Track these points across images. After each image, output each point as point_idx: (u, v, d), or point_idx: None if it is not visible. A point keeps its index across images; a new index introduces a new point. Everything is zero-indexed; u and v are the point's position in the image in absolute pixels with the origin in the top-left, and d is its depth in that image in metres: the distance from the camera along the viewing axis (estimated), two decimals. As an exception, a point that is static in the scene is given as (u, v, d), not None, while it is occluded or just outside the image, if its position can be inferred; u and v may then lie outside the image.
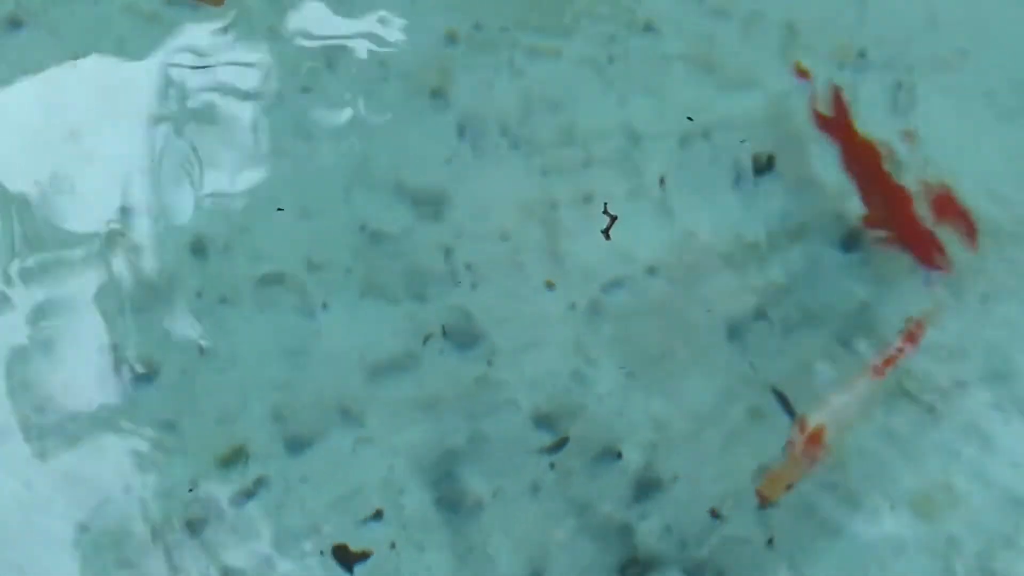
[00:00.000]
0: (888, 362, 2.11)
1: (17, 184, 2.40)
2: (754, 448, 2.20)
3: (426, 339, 2.30)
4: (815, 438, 2.01)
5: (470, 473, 2.21)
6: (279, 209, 2.42)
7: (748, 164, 2.44)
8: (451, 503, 2.19)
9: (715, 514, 2.15)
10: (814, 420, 2.03)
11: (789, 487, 2.03)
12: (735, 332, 2.30)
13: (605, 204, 2.39)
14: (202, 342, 2.31)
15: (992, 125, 2.45)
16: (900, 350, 2.13)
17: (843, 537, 2.14)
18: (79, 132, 2.46)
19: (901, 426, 2.20)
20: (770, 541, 2.13)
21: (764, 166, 2.43)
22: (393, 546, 2.16)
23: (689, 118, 2.47)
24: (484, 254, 2.38)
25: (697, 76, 2.52)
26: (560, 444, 2.23)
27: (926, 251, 2.20)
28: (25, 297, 2.33)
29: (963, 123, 2.45)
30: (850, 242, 2.36)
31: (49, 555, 2.14)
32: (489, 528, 2.17)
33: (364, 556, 2.15)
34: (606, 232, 2.37)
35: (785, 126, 2.46)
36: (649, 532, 2.15)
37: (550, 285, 2.36)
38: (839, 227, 2.38)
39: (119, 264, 2.36)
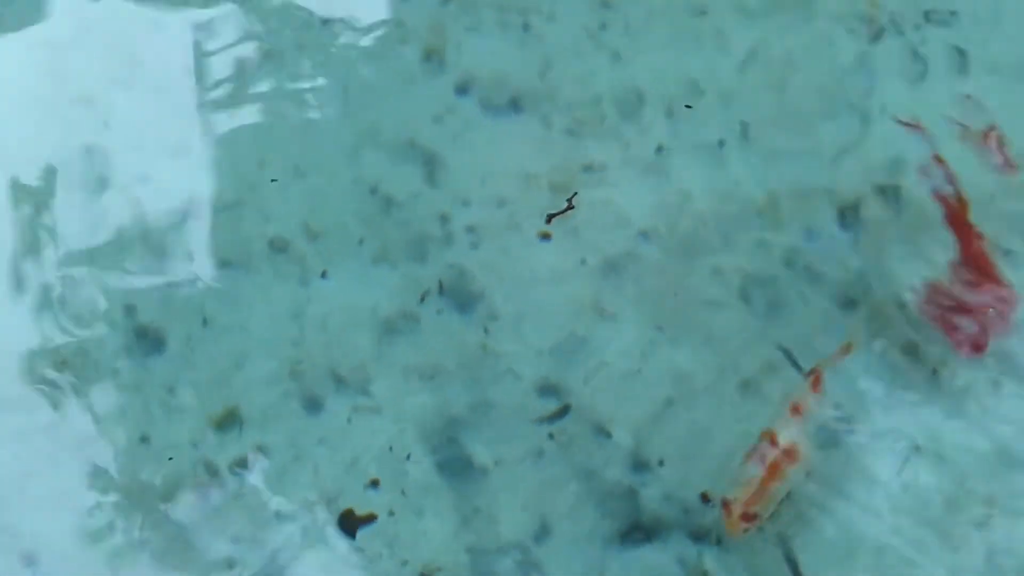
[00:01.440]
0: (798, 407, 2.10)
1: (26, 151, 2.40)
2: (753, 420, 2.18)
3: (423, 297, 2.30)
4: (789, 453, 2.01)
5: (473, 438, 2.21)
6: (273, 180, 2.40)
7: (742, 129, 2.44)
8: (454, 469, 2.19)
9: (706, 498, 2.15)
10: (784, 437, 2.02)
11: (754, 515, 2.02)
12: (737, 296, 2.31)
13: (574, 194, 2.39)
14: (204, 306, 2.30)
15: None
16: (809, 395, 2.12)
17: (842, 502, 2.15)
18: (89, 97, 2.45)
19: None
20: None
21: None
22: (392, 513, 2.15)
23: (686, 82, 2.47)
24: (482, 218, 2.38)
25: (693, 40, 2.52)
26: (562, 412, 2.24)
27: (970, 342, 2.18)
28: (34, 259, 2.33)
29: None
30: (846, 214, 2.38)
31: (41, 520, 2.12)
32: (493, 492, 2.17)
33: (366, 520, 2.14)
34: (550, 217, 2.37)
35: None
36: (652, 499, 2.15)
37: (546, 236, 2.36)
38: (836, 199, 2.38)
39: (125, 228, 2.35)
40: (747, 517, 1.99)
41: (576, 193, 2.38)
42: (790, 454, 2.00)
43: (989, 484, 2.14)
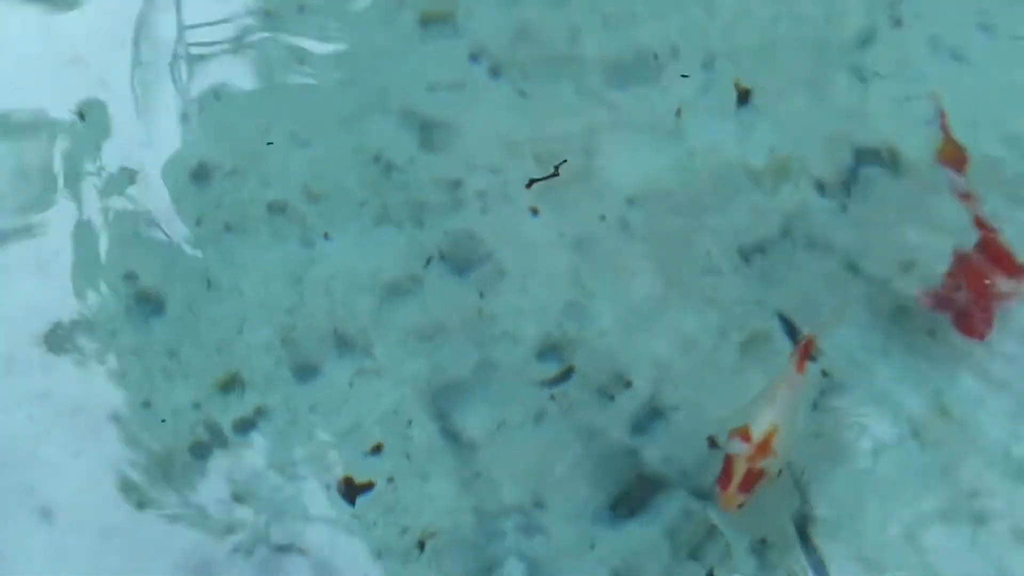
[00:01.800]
0: (802, 362, 2.07)
1: (20, 111, 2.40)
2: (757, 373, 2.21)
3: (427, 262, 2.31)
4: (764, 446, 1.97)
5: (472, 400, 2.23)
6: (269, 143, 2.41)
7: (742, 93, 2.43)
8: (454, 433, 2.21)
9: (713, 443, 2.17)
10: (759, 428, 1.98)
11: (743, 502, 2.00)
12: (738, 260, 2.31)
13: (563, 161, 2.38)
14: (206, 270, 2.32)
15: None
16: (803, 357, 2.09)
17: (848, 460, 2.16)
18: (82, 58, 2.45)
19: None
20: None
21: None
22: (391, 480, 2.18)
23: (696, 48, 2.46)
24: (489, 183, 2.39)
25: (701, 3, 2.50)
26: (565, 374, 2.25)
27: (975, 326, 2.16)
28: (34, 222, 2.36)
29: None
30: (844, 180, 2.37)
31: (55, 479, 2.17)
32: (493, 454, 2.19)
33: (366, 486, 2.17)
34: (532, 182, 2.37)
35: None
36: (653, 457, 2.17)
37: (535, 211, 2.36)
38: (835, 162, 2.38)
39: (126, 192, 2.37)
40: (739, 502, 1.99)
41: (565, 160, 2.37)
42: (764, 449, 1.97)
43: (989, 445, 2.15)
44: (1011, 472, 2.12)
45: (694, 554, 2.10)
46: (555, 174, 2.37)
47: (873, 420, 2.18)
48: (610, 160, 2.39)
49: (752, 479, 1.96)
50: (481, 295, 2.29)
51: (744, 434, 1.97)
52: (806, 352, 2.06)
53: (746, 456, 1.96)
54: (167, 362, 2.26)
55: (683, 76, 2.44)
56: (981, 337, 2.13)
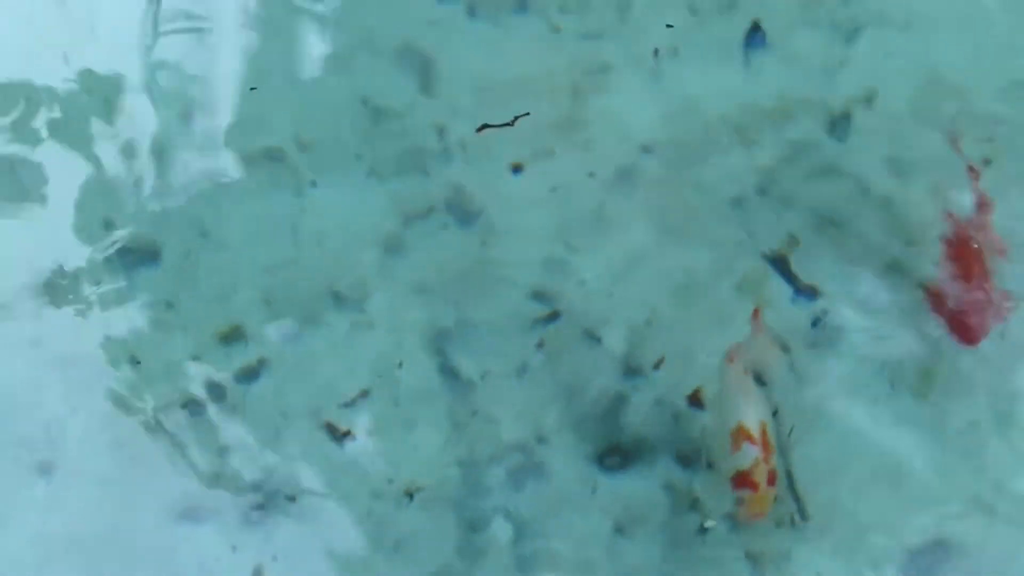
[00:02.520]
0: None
1: (11, 63, 2.40)
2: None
3: (424, 215, 2.31)
4: (765, 442, 1.98)
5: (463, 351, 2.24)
6: (252, 88, 2.39)
7: (748, 37, 2.40)
8: (448, 379, 2.22)
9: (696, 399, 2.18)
10: (751, 423, 2.00)
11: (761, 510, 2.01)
12: (732, 207, 2.30)
13: (526, 114, 2.35)
14: (201, 220, 2.32)
15: None
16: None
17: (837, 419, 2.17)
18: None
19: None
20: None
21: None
22: (381, 424, 2.19)
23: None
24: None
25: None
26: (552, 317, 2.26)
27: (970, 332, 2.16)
28: (25, 173, 2.35)
29: None
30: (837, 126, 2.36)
31: (55, 432, 2.18)
32: (484, 402, 2.20)
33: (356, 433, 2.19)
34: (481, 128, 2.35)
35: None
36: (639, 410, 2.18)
37: (518, 168, 2.35)
38: (827, 110, 2.36)
39: (117, 137, 2.37)
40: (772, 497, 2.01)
41: (528, 114, 2.35)
42: (766, 444, 1.99)
43: (976, 392, 2.16)
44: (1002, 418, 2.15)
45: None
46: (510, 124, 2.35)
47: (859, 376, 2.19)
48: (614, 102, 2.38)
49: (773, 476, 1.98)
50: (483, 244, 2.29)
51: (747, 436, 1.98)
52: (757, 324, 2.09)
53: (762, 458, 1.97)
54: (164, 314, 2.27)
55: (668, 26, 2.42)
56: (974, 343, 2.13)
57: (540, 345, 2.22)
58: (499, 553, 2.10)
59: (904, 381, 2.17)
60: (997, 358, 2.17)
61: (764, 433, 1.99)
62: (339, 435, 2.17)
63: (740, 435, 1.98)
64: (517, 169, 2.33)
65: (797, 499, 2.08)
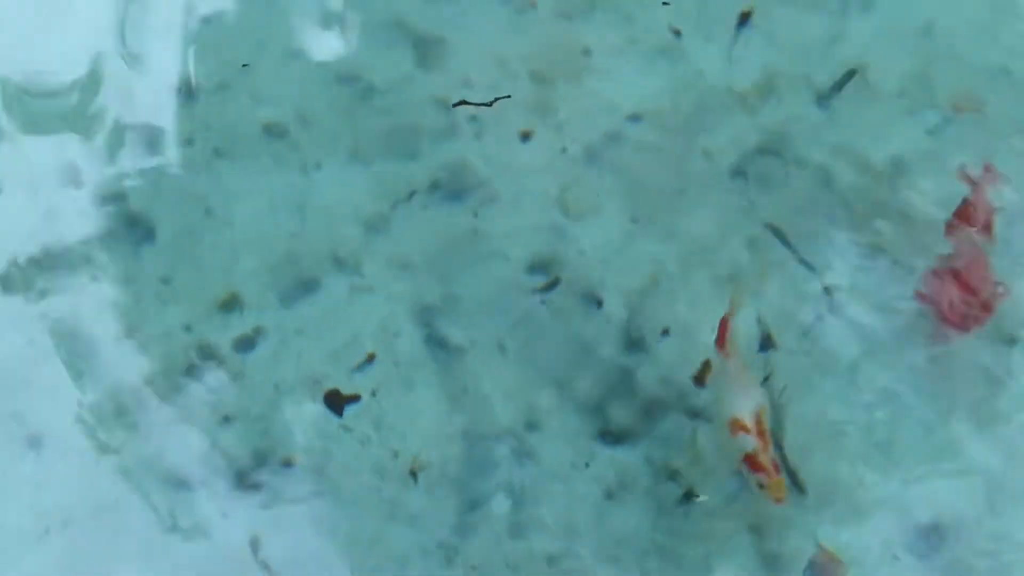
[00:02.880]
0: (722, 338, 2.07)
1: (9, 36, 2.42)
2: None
3: (414, 192, 2.30)
4: (762, 431, 1.98)
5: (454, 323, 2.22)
6: (244, 65, 2.41)
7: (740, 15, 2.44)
8: (441, 351, 2.20)
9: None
10: (749, 417, 1.98)
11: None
12: (730, 176, 2.30)
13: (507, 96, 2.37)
14: (198, 195, 2.32)
15: None
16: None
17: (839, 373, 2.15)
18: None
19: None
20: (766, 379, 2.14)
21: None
22: (374, 393, 2.17)
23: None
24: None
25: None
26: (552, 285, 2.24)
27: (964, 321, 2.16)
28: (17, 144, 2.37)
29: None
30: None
31: (47, 406, 2.15)
32: (477, 372, 2.18)
33: (355, 399, 2.16)
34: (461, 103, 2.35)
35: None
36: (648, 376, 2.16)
37: (526, 136, 2.35)
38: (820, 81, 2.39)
39: (109, 112, 2.37)
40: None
41: (509, 96, 2.37)
42: (763, 432, 1.98)
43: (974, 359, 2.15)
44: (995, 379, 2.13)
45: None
46: (489, 104, 2.36)
47: (844, 345, 2.17)
48: (604, 80, 2.39)
49: (776, 465, 1.97)
50: (475, 215, 2.28)
51: (742, 427, 1.97)
52: (724, 329, 2.06)
53: (761, 449, 1.96)
54: (160, 286, 2.26)
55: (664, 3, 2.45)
56: (967, 330, 2.13)
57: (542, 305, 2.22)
58: (496, 524, 2.07)
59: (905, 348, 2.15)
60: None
61: (760, 423, 1.97)
62: (341, 399, 2.15)
63: (736, 427, 1.98)
64: (526, 137, 2.35)
65: (790, 471, 2.05)
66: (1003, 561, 1.97)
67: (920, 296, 2.16)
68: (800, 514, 2.03)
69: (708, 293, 2.20)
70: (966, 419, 2.08)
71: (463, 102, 2.35)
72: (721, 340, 2.05)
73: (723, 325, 2.06)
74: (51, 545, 2.04)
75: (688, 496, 2.05)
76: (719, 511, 2.04)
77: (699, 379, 2.15)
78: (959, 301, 2.11)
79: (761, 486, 1.96)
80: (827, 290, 2.20)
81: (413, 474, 2.09)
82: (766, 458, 1.95)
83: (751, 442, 1.95)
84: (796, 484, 2.04)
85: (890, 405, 2.11)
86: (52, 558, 2.03)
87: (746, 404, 1.99)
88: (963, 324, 2.12)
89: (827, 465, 2.06)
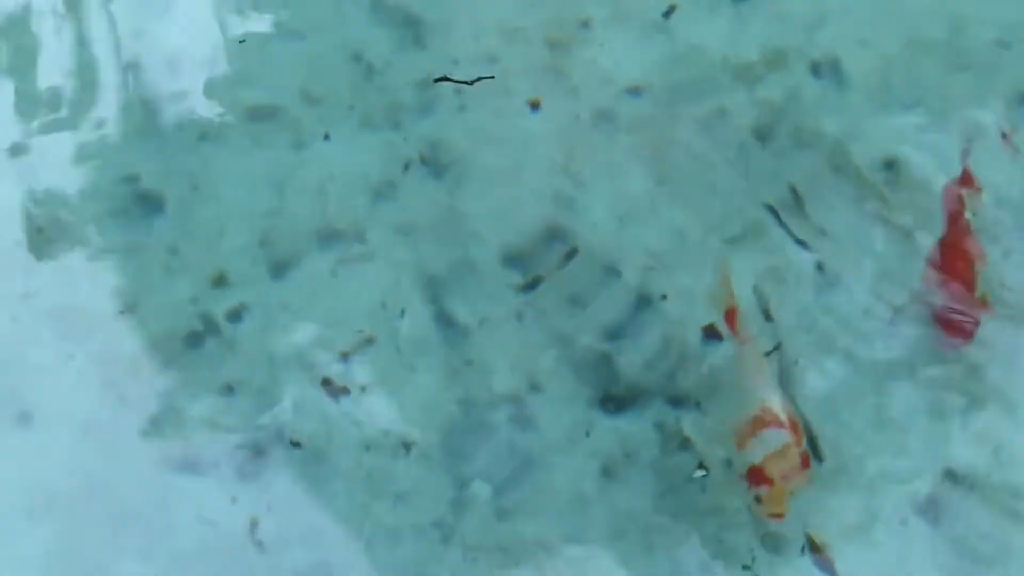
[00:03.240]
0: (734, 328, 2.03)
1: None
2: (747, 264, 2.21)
3: (408, 165, 2.30)
4: (795, 425, 1.92)
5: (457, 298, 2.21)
6: (241, 40, 2.41)
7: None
8: (442, 326, 2.18)
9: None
10: (780, 410, 1.92)
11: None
12: (728, 152, 2.31)
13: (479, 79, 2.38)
14: (192, 172, 2.30)
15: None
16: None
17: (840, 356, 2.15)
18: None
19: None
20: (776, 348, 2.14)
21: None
22: (377, 367, 2.14)
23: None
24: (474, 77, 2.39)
25: None
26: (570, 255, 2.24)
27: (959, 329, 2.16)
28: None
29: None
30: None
31: (38, 382, 2.12)
32: (480, 348, 2.17)
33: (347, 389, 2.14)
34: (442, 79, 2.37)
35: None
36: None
37: (535, 105, 2.36)
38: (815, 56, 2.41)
39: (112, 92, 2.36)
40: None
41: (492, 77, 2.37)
42: (796, 427, 1.92)
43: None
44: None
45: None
46: (469, 83, 2.37)
47: (854, 317, 2.17)
48: (604, 52, 2.40)
49: (806, 458, 1.90)
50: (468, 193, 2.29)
51: (775, 421, 1.89)
52: (732, 316, 2.02)
53: (793, 443, 1.88)
54: (167, 258, 2.24)
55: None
56: (967, 338, 2.12)
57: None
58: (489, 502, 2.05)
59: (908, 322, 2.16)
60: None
61: (791, 414, 1.91)
62: (336, 387, 2.13)
63: (764, 419, 1.89)
64: (535, 106, 2.36)
65: (811, 438, 2.02)
66: (1011, 525, 1.98)
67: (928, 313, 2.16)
68: (812, 486, 2.00)
69: (714, 261, 2.20)
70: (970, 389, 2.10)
71: (444, 78, 2.36)
72: (732, 326, 2.00)
73: (730, 313, 2.01)
74: (43, 525, 2.00)
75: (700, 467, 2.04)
76: (723, 486, 2.02)
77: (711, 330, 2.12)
78: (953, 311, 2.12)
79: (759, 500, 1.87)
80: (820, 266, 2.20)
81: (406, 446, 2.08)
82: (795, 454, 1.87)
83: (780, 439, 1.87)
84: (815, 451, 2.01)
85: (894, 377, 2.11)
86: (44, 538, 1.99)
87: (773, 394, 1.92)
88: (964, 333, 2.12)
89: (835, 436, 2.05)
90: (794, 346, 2.12)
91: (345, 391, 2.11)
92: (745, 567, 1.95)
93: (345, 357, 2.14)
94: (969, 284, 2.13)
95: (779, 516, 1.88)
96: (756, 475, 1.87)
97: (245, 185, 2.30)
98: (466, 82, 2.36)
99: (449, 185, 2.29)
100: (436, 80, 2.35)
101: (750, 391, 1.94)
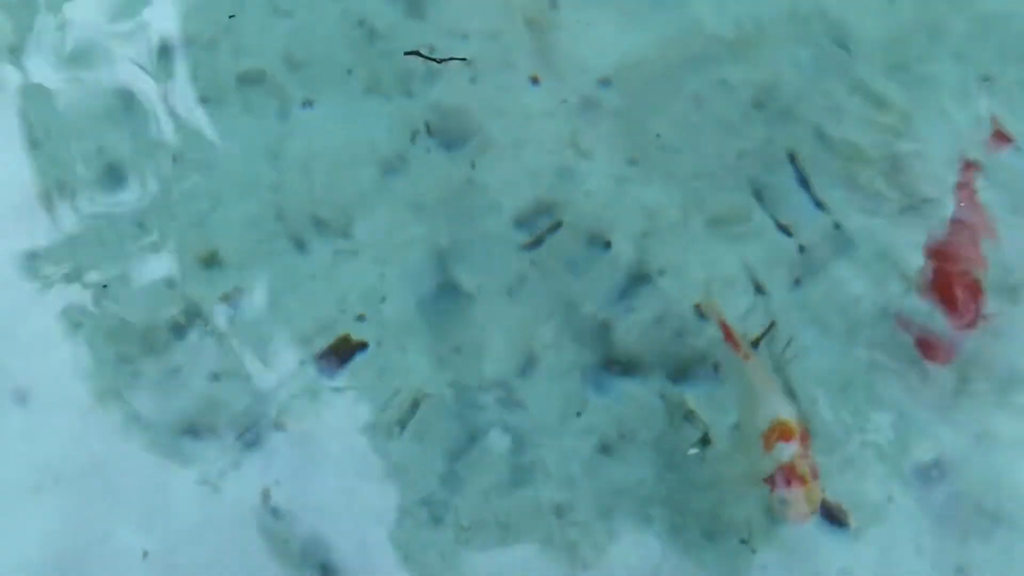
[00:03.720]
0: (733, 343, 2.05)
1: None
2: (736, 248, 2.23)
3: (414, 136, 2.29)
4: (804, 435, 1.92)
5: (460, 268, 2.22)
6: (231, 16, 2.38)
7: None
8: (440, 299, 2.19)
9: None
10: (792, 419, 1.92)
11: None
12: (723, 125, 2.33)
13: (450, 59, 2.37)
14: (179, 144, 2.28)
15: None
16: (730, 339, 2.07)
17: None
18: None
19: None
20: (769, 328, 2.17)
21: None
22: (380, 344, 2.15)
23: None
24: (473, 52, 2.37)
25: None
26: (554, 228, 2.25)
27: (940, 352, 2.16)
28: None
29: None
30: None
31: (34, 359, 2.10)
32: (479, 320, 2.17)
33: (353, 352, 2.14)
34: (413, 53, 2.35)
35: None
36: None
37: (536, 80, 2.36)
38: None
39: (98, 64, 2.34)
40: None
41: (465, 59, 2.37)
42: (804, 438, 1.92)
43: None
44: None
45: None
46: (438, 61, 2.37)
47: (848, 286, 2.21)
48: (590, 29, 2.40)
49: (815, 470, 1.90)
50: (472, 166, 2.28)
51: (786, 433, 1.89)
52: (729, 336, 2.04)
53: (800, 456, 1.88)
54: (139, 234, 2.22)
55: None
56: (946, 360, 2.13)
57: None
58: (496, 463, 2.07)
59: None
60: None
61: (802, 426, 1.92)
62: (337, 353, 2.14)
63: (777, 433, 1.89)
64: (535, 81, 2.36)
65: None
66: (998, 495, 2.04)
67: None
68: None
69: (704, 235, 2.23)
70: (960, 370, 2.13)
71: (416, 53, 2.35)
72: (734, 344, 2.02)
73: (725, 330, 2.04)
74: (44, 502, 2.00)
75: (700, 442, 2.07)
76: (726, 458, 2.06)
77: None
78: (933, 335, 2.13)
79: (784, 503, 1.86)
80: (802, 248, 2.22)
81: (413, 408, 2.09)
82: (805, 465, 1.87)
83: (790, 450, 1.87)
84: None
85: (884, 352, 2.15)
86: (46, 514, 1.99)
87: (783, 406, 1.93)
88: (944, 357, 2.13)
89: (826, 413, 2.09)
90: (787, 324, 2.16)
91: (342, 366, 2.12)
92: (742, 540, 2.00)
93: (340, 334, 2.15)
94: (977, 260, 2.13)
95: (806, 518, 1.90)
96: (789, 474, 1.88)
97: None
98: (435, 59, 2.35)
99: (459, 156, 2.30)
100: (407, 53, 2.35)
101: (762, 405, 1.95)
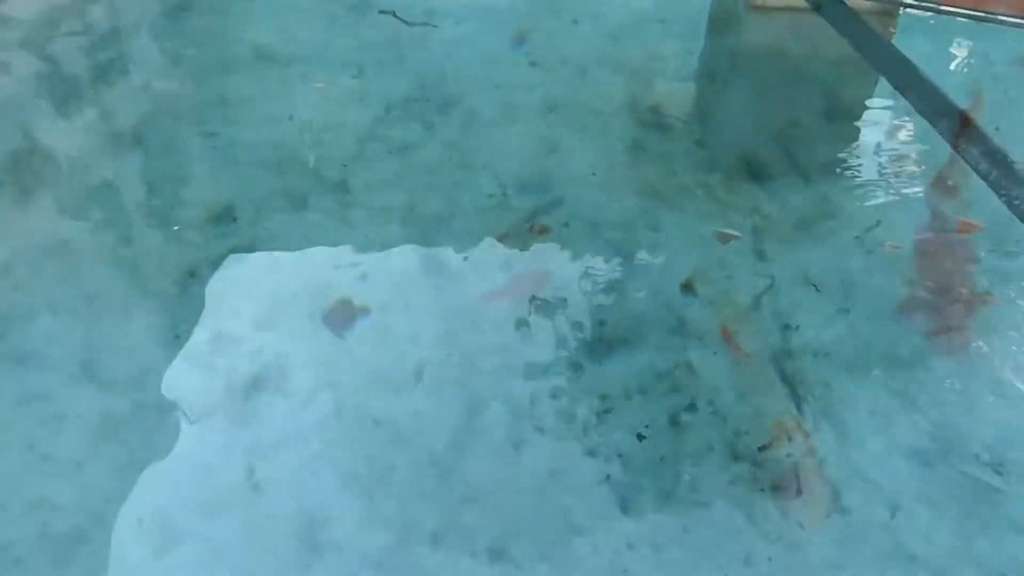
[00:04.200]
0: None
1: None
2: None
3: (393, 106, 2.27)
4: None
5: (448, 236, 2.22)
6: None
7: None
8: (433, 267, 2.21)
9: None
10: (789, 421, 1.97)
11: None
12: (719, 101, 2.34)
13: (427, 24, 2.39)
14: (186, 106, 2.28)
15: None
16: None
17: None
18: None
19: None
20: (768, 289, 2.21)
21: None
22: (384, 308, 2.16)
23: None
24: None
25: None
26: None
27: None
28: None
29: None
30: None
31: (31, 329, 2.10)
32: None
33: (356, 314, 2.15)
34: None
35: None
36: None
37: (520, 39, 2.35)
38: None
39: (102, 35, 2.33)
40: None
41: (436, 26, 2.39)
42: (808, 434, 1.96)
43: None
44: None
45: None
46: (408, 24, 2.40)
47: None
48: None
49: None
50: (465, 128, 2.27)
51: (789, 435, 1.93)
52: (727, 336, 2.06)
53: (805, 452, 1.92)
54: (150, 195, 2.22)
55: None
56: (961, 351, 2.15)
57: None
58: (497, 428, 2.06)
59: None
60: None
61: (801, 424, 1.95)
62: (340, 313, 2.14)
63: (780, 435, 1.94)
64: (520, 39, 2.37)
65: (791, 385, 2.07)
66: (1000, 461, 2.05)
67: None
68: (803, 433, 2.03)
69: (696, 211, 2.24)
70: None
71: (392, 13, 2.36)
72: (733, 345, 2.05)
73: (725, 334, 2.06)
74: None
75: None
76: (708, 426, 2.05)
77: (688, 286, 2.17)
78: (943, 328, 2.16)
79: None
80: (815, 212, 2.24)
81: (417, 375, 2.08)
82: (811, 462, 1.91)
83: (798, 450, 1.91)
84: (795, 394, 2.07)
85: (879, 324, 2.18)
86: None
87: (782, 405, 1.97)
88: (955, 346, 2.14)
89: (826, 383, 2.10)
90: (789, 297, 2.18)
91: (349, 324, 2.13)
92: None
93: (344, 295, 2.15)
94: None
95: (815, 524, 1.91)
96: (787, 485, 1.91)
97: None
98: (406, 22, 2.36)
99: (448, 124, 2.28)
100: (381, 12, 2.35)
101: (762, 407, 1.99)
